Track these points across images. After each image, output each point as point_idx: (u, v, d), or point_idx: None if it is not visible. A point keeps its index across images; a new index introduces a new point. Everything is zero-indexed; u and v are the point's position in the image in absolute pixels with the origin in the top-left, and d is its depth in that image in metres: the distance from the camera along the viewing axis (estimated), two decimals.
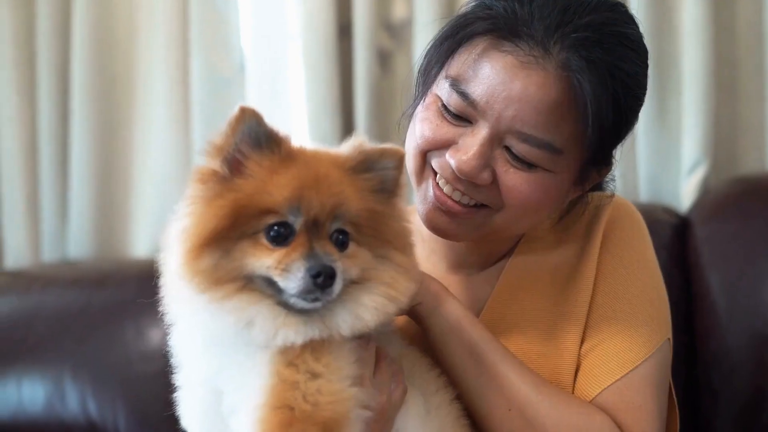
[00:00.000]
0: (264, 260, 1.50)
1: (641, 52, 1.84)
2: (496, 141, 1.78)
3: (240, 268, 1.51)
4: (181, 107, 3.60)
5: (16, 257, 3.76)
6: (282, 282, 1.49)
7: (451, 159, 1.80)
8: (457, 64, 1.81)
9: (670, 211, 2.98)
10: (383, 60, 3.47)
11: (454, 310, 1.84)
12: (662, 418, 1.90)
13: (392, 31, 3.49)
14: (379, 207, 1.61)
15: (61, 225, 3.75)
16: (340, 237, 1.56)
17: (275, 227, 1.51)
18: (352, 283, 1.55)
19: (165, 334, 2.90)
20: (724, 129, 3.14)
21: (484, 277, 2.02)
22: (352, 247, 1.57)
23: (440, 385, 1.78)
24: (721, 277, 2.75)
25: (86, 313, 3.18)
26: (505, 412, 1.80)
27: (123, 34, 3.70)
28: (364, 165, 1.62)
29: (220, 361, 1.57)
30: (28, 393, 3.08)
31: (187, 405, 1.68)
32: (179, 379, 1.69)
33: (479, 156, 1.77)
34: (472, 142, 1.78)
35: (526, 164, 1.79)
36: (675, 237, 2.85)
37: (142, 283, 3.05)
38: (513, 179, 1.79)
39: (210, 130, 3.43)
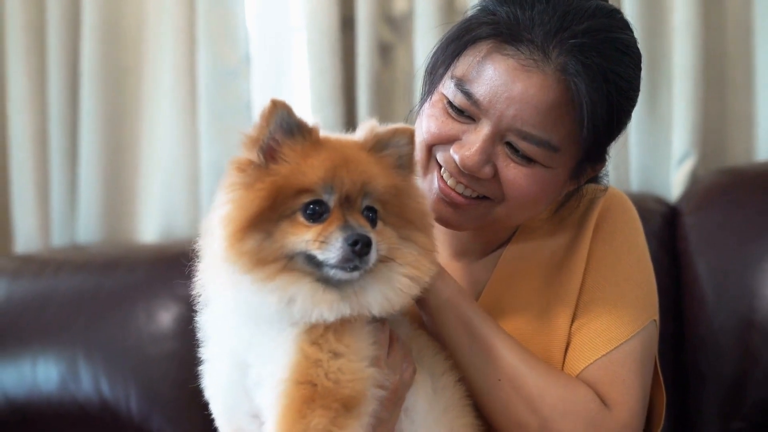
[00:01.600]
0: (303, 236, 1.61)
1: (635, 57, 1.94)
2: (497, 138, 1.89)
3: (282, 247, 1.62)
4: (187, 96, 3.69)
5: (26, 242, 3.85)
6: (321, 254, 1.60)
7: (455, 154, 1.90)
8: (462, 66, 1.91)
9: (660, 201, 3.07)
10: (384, 52, 3.56)
11: (449, 286, 1.94)
12: (645, 393, 2.00)
13: (393, 25, 3.57)
14: (401, 183, 1.74)
15: (70, 210, 3.83)
16: (370, 215, 1.68)
17: (311, 205, 1.63)
18: (380, 262, 1.66)
19: (177, 317, 3.02)
20: (712, 122, 3.23)
21: (484, 263, 2.13)
22: (379, 225, 1.69)
23: (447, 368, 1.89)
24: (709, 264, 2.83)
25: (97, 297, 3.26)
26: (495, 381, 1.91)
27: (131, 24, 3.79)
28: (380, 144, 1.74)
29: (252, 336, 1.67)
30: (42, 373, 3.16)
31: (212, 378, 1.78)
32: (205, 352, 1.79)
33: (482, 151, 1.88)
34: (475, 138, 1.89)
35: (525, 160, 1.89)
36: (664, 225, 2.94)
37: (151, 268, 3.23)
38: (513, 174, 1.90)
39: (215, 119, 3.55)
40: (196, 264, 1.75)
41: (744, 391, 2.74)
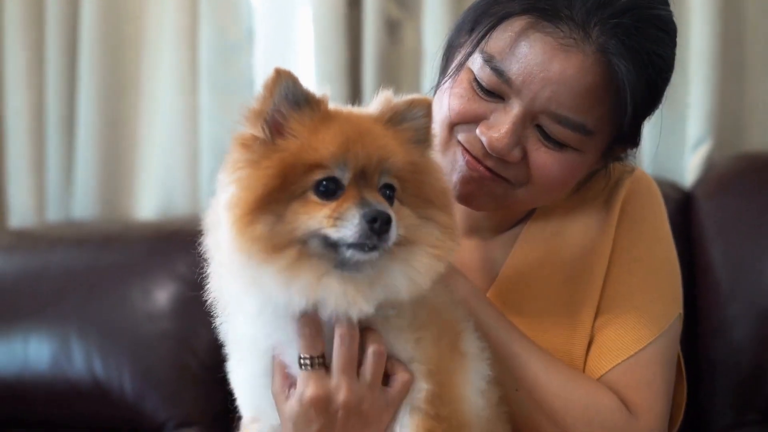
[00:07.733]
0: (316, 215, 1.47)
1: (672, 33, 1.85)
2: (528, 119, 1.79)
3: (295, 229, 1.47)
4: (188, 71, 3.61)
5: (22, 216, 3.78)
6: (336, 233, 1.46)
7: (483, 136, 1.80)
8: (493, 42, 1.80)
9: (674, 186, 3.00)
10: (392, 29, 3.47)
11: (461, 287, 1.84)
12: (669, 394, 1.93)
13: (401, 1, 3.49)
14: (420, 160, 1.61)
15: (67, 185, 3.76)
16: (387, 192, 1.54)
17: (324, 182, 1.49)
18: (398, 244, 1.52)
19: (173, 296, 2.96)
20: (729, 106, 3.16)
21: (500, 242, 2.03)
22: (396, 205, 1.55)
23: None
24: (724, 252, 2.77)
25: (92, 273, 3.19)
26: (512, 392, 1.80)
27: None
28: (397, 117, 1.61)
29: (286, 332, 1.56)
30: (34, 351, 3.08)
31: (244, 388, 1.68)
32: (233, 352, 1.68)
33: (511, 133, 1.78)
34: (505, 119, 1.79)
35: (557, 144, 1.80)
36: (678, 212, 2.86)
37: (148, 245, 3.17)
38: (543, 158, 1.81)
39: (217, 94, 3.49)
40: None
41: (758, 382, 2.69)
